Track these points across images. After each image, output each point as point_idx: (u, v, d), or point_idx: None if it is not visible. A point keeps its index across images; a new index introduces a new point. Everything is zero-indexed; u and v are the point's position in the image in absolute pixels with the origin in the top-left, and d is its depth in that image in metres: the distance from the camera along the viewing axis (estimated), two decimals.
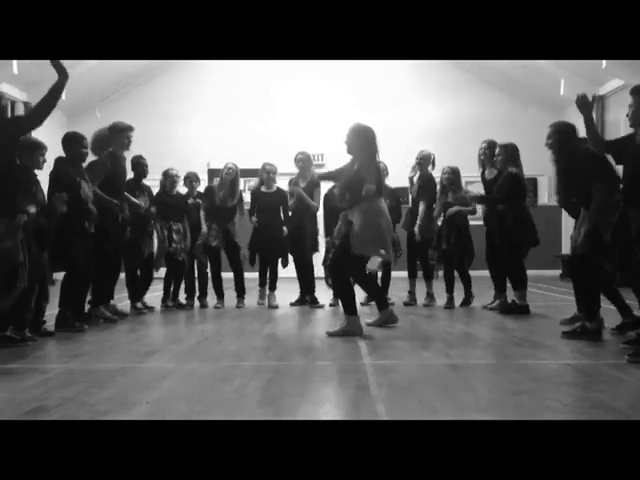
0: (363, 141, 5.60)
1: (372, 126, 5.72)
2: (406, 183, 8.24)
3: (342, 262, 5.64)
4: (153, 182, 7.84)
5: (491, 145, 7.27)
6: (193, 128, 14.54)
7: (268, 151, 10.51)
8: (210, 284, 8.01)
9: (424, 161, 7.91)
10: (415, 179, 8.02)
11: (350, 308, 5.56)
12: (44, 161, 5.42)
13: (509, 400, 3.19)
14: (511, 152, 6.80)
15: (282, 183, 8.31)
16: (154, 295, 7.96)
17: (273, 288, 7.99)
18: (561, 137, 5.39)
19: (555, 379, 3.76)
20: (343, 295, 5.77)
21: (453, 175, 7.61)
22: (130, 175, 7.30)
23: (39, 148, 5.34)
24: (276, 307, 7.75)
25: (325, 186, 8.19)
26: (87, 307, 6.45)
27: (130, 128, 6.86)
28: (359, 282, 6.04)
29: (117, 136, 6.73)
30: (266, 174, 7.95)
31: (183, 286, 7.96)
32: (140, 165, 7.44)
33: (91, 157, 6.42)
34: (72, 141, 5.98)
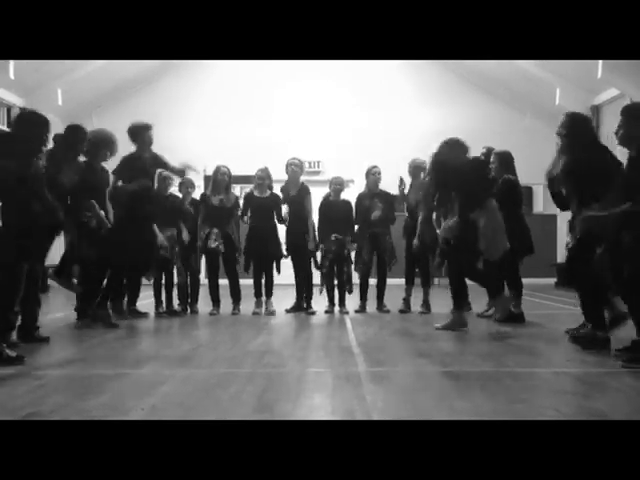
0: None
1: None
2: None
3: (456, 259, 5.98)
4: None
5: (490, 152, 7.27)
6: (190, 134, 14.52)
7: (265, 156, 10.49)
8: (206, 290, 7.99)
9: (416, 170, 7.91)
10: (407, 190, 8.00)
11: (459, 303, 6.13)
12: (44, 165, 5.43)
13: (505, 408, 3.19)
14: (505, 160, 6.83)
15: (278, 188, 8.30)
16: (149, 302, 7.93)
17: (269, 295, 7.97)
18: (575, 127, 5.19)
19: (551, 387, 3.76)
20: (456, 290, 6.18)
21: None
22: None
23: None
24: (273, 313, 7.73)
25: (319, 193, 8.20)
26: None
27: (149, 126, 7.16)
28: (475, 277, 6.35)
29: (140, 135, 7.05)
30: (256, 180, 7.96)
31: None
32: None
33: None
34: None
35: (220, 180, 7.82)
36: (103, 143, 6.73)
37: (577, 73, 12.01)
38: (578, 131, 5.16)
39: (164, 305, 7.77)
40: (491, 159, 6.97)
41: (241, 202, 8.13)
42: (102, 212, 6.40)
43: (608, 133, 11.84)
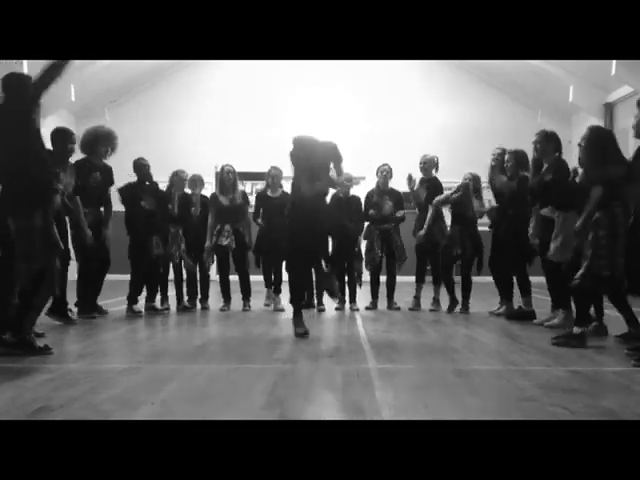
0: None
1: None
2: None
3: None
4: (160, 184, 7.85)
5: (505, 152, 7.23)
6: (201, 130, 14.58)
7: (275, 154, 10.52)
8: (217, 287, 8.01)
9: (428, 165, 7.93)
10: (416, 186, 7.99)
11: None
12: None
13: (514, 406, 3.17)
14: (521, 158, 6.81)
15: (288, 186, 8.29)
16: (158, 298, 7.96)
17: (278, 291, 7.99)
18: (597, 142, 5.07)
19: (561, 386, 3.74)
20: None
21: (474, 182, 7.69)
22: (131, 178, 7.41)
23: None
24: (282, 310, 7.74)
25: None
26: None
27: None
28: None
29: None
30: (271, 178, 7.96)
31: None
32: (144, 167, 7.45)
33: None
34: (59, 137, 6.01)
35: (226, 179, 7.87)
36: (102, 140, 6.72)
37: (591, 71, 11.95)
38: (602, 146, 5.03)
39: (168, 301, 7.79)
40: (506, 158, 6.94)
41: (250, 198, 8.14)
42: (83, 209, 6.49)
43: (621, 130, 11.81)
